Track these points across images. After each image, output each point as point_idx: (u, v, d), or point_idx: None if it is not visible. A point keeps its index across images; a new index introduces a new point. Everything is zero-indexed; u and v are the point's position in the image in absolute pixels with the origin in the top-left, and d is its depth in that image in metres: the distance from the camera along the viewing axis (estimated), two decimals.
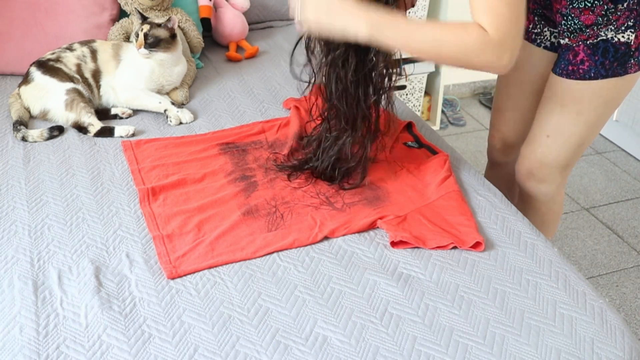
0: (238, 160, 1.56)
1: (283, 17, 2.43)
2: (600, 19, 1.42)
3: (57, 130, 1.66)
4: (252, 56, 2.16)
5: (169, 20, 1.75)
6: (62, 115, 1.69)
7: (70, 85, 1.71)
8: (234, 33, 2.20)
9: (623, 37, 1.43)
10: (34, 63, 1.77)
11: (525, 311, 1.14)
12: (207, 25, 2.14)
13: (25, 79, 1.76)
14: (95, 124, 1.67)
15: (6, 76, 1.96)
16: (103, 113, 1.75)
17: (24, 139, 1.63)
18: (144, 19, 1.77)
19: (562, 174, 1.67)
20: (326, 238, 1.31)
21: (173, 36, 1.77)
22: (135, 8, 1.85)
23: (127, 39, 1.96)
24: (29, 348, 1.05)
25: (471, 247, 1.28)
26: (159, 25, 1.74)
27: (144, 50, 1.72)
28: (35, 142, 1.63)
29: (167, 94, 1.84)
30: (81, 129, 1.67)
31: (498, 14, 1.16)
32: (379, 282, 1.20)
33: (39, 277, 1.20)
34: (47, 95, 1.71)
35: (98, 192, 1.44)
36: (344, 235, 1.32)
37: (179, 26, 1.95)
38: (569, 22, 1.46)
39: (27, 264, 1.23)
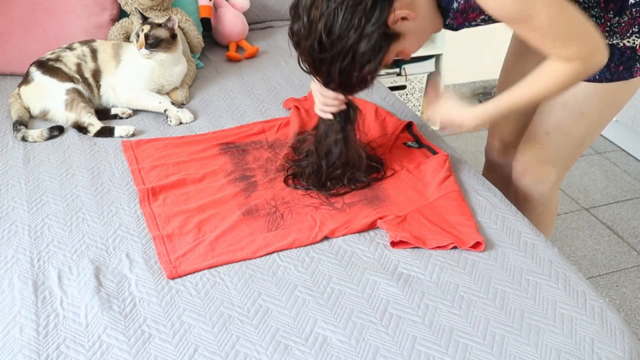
0: (238, 160, 1.56)
1: (283, 17, 2.44)
2: (605, 34, 1.42)
3: (57, 130, 1.66)
4: (252, 56, 2.16)
5: (169, 20, 1.75)
6: (62, 115, 1.69)
7: (70, 85, 1.71)
8: (234, 33, 2.20)
9: (628, 42, 1.43)
10: (34, 63, 1.77)
11: (525, 311, 1.14)
12: (207, 25, 2.14)
13: (25, 79, 1.76)
14: (95, 124, 1.67)
15: (6, 76, 1.96)
16: (103, 113, 1.75)
17: (24, 139, 1.63)
18: (144, 19, 1.77)
19: (558, 174, 1.67)
20: (326, 238, 1.31)
21: (173, 36, 1.77)
22: (135, 8, 1.85)
23: (127, 39, 1.96)
24: (29, 348, 1.05)
25: (471, 247, 1.28)
26: (159, 26, 1.74)
27: (144, 51, 1.72)
28: (35, 142, 1.63)
29: (167, 94, 1.84)
30: (81, 129, 1.67)
31: (568, 45, 1.26)
32: (379, 282, 1.20)
33: (39, 277, 1.20)
34: (47, 95, 1.71)
35: (98, 192, 1.44)
36: (344, 235, 1.32)
37: (179, 26, 1.95)
38: None
39: (27, 264, 1.23)
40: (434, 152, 1.59)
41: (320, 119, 1.48)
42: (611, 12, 1.39)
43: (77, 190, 1.45)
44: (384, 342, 1.08)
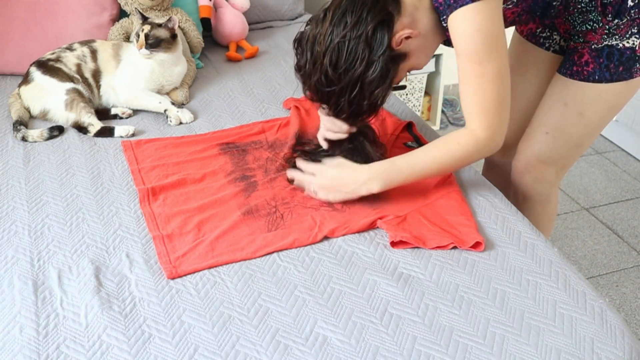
0: (238, 160, 1.56)
1: (283, 17, 2.44)
2: (605, 36, 1.43)
3: (57, 130, 1.66)
4: (252, 56, 2.16)
5: (169, 20, 1.75)
6: (62, 115, 1.69)
7: (70, 85, 1.71)
8: (234, 33, 2.20)
9: (628, 42, 1.43)
10: (34, 63, 1.77)
11: (525, 311, 1.14)
12: (207, 25, 2.14)
13: (25, 79, 1.76)
14: (95, 124, 1.67)
15: (6, 76, 1.96)
16: (103, 113, 1.75)
17: (24, 139, 1.63)
18: (145, 19, 1.77)
19: (557, 174, 1.67)
20: (326, 238, 1.31)
21: (174, 36, 1.77)
22: (135, 8, 1.85)
23: (127, 39, 1.96)
24: (29, 348, 1.05)
25: (471, 247, 1.28)
26: (159, 26, 1.74)
27: (144, 51, 1.72)
28: (35, 142, 1.63)
29: (167, 94, 1.84)
30: (81, 129, 1.67)
31: (486, 114, 1.30)
32: (379, 282, 1.20)
33: (39, 277, 1.20)
34: (47, 95, 1.71)
35: (98, 192, 1.44)
36: (343, 235, 1.32)
37: (179, 26, 1.95)
38: (575, 39, 1.48)
39: (27, 264, 1.23)
40: None
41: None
42: (609, 16, 1.39)
43: (77, 190, 1.45)
44: (384, 342, 1.08)
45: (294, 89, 1.92)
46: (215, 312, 1.13)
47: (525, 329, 1.11)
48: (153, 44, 1.72)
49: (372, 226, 1.34)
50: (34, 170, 1.52)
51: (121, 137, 1.66)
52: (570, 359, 1.06)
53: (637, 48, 1.43)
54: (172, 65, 1.80)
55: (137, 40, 1.73)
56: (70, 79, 1.73)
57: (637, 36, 1.42)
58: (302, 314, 1.13)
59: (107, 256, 1.26)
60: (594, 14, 1.40)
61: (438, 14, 1.32)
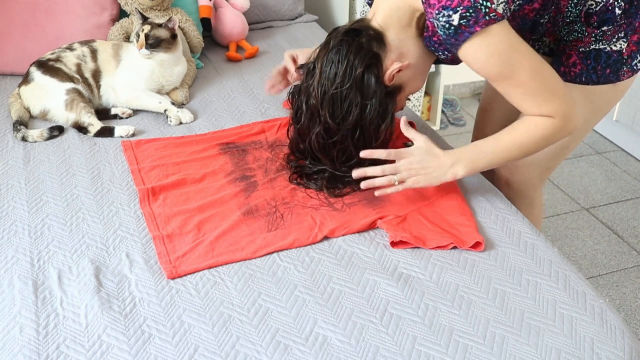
0: (238, 160, 1.56)
1: (283, 17, 2.44)
2: (592, 43, 1.43)
3: (57, 130, 1.66)
4: (252, 56, 2.16)
5: (169, 20, 1.75)
6: (62, 115, 1.69)
7: (70, 85, 1.71)
8: (234, 33, 2.20)
9: (615, 46, 1.43)
10: (34, 63, 1.77)
11: (525, 311, 1.14)
12: (207, 25, 2.14)
13: (25, 79, 1.76)
14: (95, 124, 1.67)
15: (6, 76, 1.96)
16: (103, 113, 1.75)
17: (24, 139, 1.63)
18: (145, 19, 1.77)
19: (541, 176, 1.66)
20: (326, 238, 1.31)
21: (174, 36, 1.77)
22: (135, 8, 1.85)
23: (127, 39, 1.96)
24: (29, 348, 1.05)
25: (471, 247, 1.28)
26: (159, 26, 1.74)
27: (145, 51, 1.72)
28: (35, 142, 1.63)
29: (167, 94, 1.84)
30: (81, 129, 1.67)
31: (547, 106, 1.28)
32: (379, 282, 1.20)
33: (39, 277, 1.20)
34: (47, 95, 1.71)
35: (98, 192, 1.44)
36: (343, 235, 1.32)
37: (179, 26, 1.95)
38: (564, 43, 1.49)
39: (27, 264, 1.23)
40: None
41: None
42: (594, 24, 1.40)
43: (77, 190, 1.45)
44: (384, 342, 1.08)
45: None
46: (215, 312, 1.13)
47: (525, 329, 1.11)
48: (153, 44, 1.72)
49: (372, 226, 1.34)
50: (34, 170, 1.52)
51: (121, 137, 1.66)
52: (570, 359, 1.06)
53: (624, 51, 1.43)
54: (172, 65, 1.80)
55: (137, 41, 1.73)
56: (70, 79, 1.73)
57: (624, 40, 1.42)
58: (302, 314, 1.13)
59: (107, 256, 1.26)
60: (578, 25, 1.41)
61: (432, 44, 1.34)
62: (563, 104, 1.29)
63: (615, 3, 1.37)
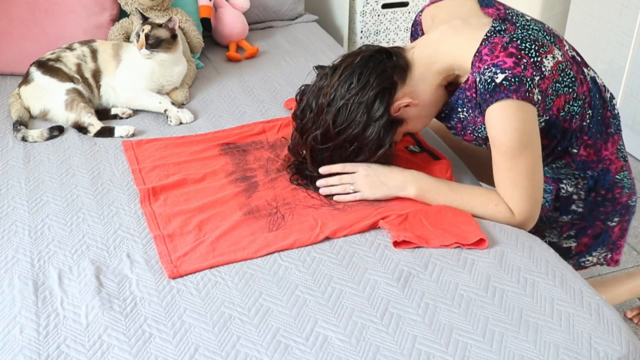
0: (239, 160, 1.56)
1: (283, 17, 2.44)
2: (545, 218, 1.50)
3: (57, 130, 1.66)
4: (252, 56, 2.16)
5: (170, 20, 1.75)
6: (62, 115, 1.69)
7: (70, 85, 1.71)
8: (234, 33, 2.20)
9: (566, 243, 1.54)
10: (34, 63, 1.77)
11: (524, 309, 1.15)
12: (207, 25, 2.14)
13: (25, 79, 1.76)
14: (95, 124, 1.67)
15: (6, 76, 1.97)
16: (103, 113, 1.75)
17: (24, 139, 1.64)
18: (145, 19, 1.77)
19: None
20: (327, 238, 1.31)
21: (174, 36, 1.77)
22: (135, 8, 1.85)
23: (127, 39, 1.96)
24: (29, 348, 1.05)
25: (474, 244, 1.28)
26: (160, 26, 1.74)
27: (145, 51, 1.72)
28: (35, 142, 1.64)
29: (167, 94, 1.84)
30: (81, 129, 1.67)
31: (518, 203, 1.34)
32: (379, 282, 1.20)
33: (39, 277, 1.20)
34: (47, 95, 1.71)
35: (98, 192, 1.45)
36: (345, 236, 1.32)
37: (179, 26, 1.95)
38: None
39: (28, 264, 1.23)
40: (436, 157, 1.57)
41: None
42: (559, 209, 1.52)
43: (77, 190, 1.45)
44: (384, 342, 1.08)
45: (294, 89, 1.92)
46: (216, 312, 1.13)
47: (523, 326, 1.11)
48: (153, 44, 1.72)
49: (373, 226, 1.34)
50: (34, 170, 1.52)
51: (121, 137, 1.66)
52: (568, 355, 1.06)
53: (572, 249, 1.55)
54: (172, 65, 1.80)
55: (138, 41, 1.73)
56: (70, 79, 1.73)
57: (574, 240, 1.54)
58: (302, 314, 1.13)
59: (108, 256, 1.26)
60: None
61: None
62: (531, 210, 1.35)
63: (578, 202, 1.49)
